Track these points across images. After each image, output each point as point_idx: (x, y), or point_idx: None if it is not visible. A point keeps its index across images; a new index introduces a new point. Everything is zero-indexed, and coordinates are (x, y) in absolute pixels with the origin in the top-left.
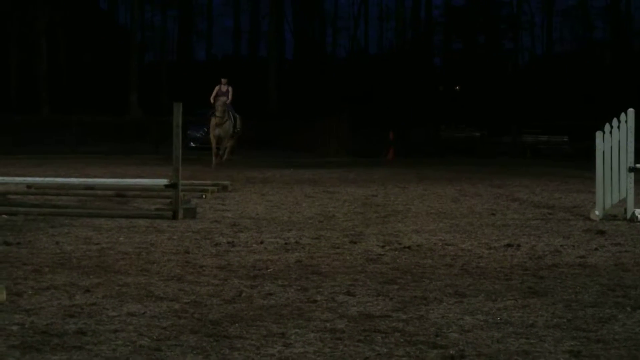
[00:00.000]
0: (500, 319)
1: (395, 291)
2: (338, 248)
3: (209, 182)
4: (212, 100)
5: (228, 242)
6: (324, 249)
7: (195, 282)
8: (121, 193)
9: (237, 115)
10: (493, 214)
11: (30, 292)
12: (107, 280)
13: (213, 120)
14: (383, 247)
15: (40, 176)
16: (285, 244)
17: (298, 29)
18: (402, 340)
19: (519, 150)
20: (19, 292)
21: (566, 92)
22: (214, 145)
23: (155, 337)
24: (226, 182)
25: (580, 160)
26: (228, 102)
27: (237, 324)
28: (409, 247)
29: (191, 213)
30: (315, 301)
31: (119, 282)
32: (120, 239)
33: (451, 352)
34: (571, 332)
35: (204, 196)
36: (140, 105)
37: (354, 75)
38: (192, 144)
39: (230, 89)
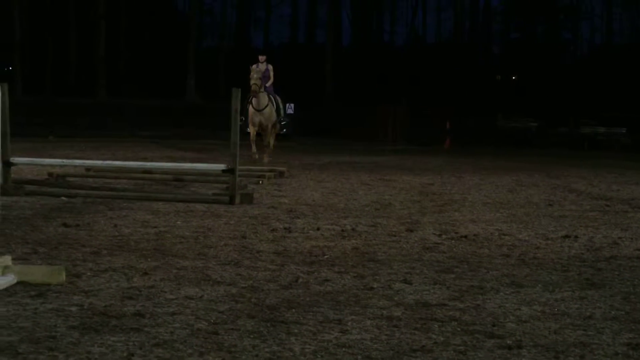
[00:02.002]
0: (558, 310)
1: (452, 280)
2: (394, 236)
3: (266, 167)
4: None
5: (285, 228)
6: (380, 236)
7: (252, 267)
8: (179, 177)
9: (279, 99)
10: (550, 205)
11: (89, 273)
12: (164, 263)
13: (250, 107)
14: (440, 235)
15: (98, 159)
16: (342, 230)
17: (356, 17)
18: (458, 329)
19: (577, 142)
20: (78, 274)
21: (625, 84)
22: (252, 135)
23: (212, 321)
24: (283, 168)
25: (638, 152)
26: (269, 83)
27: (293, 310)
28: (465, 237)
29: (248, 198)
30: (371, 288)
31: (176, 265)
32: (178, 222)
33: (508, 342)
34: (629, 324)
35: (260, 182)
36: (197, 91)
37: (411, 63)
38: (249, 130)
39: (270, 67)
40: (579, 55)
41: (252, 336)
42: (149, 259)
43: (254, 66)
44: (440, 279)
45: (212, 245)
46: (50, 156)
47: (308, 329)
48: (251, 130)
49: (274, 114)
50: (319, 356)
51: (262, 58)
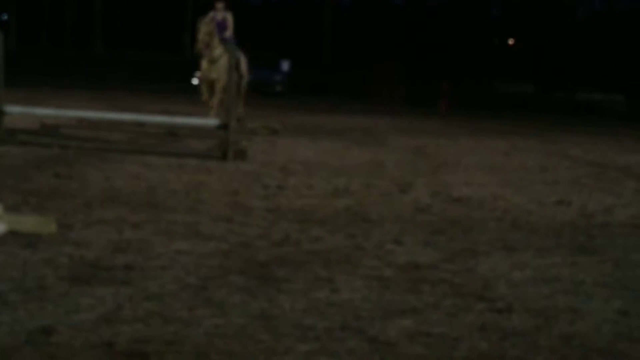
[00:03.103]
0: (549, 275)
1: (444, 242)
2: (387, 196)
3: (259, 124)
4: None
5: (277, 186)
6: (373, 196)
7: (244, 223)
8: (172, 131)
9: (241, 55)
10: (544, 170)
11: (79, 225)
12: (155, 217)
13: (203, 62)
14: (432, 197)
15: (93, 111)
16: (335, 189)
17: None
18: (449, 291)
19: (573, 107)
20: (69, 225)
21: (624, 51)
22: (205, 96)
23: (202, 276)
24: (276, 126)
25: (636, 120)
26: (229, 34)
27: (284, 267)
28: (458, 199)
29: (241, 154)
30: (363, 248)
31: (167, 219)
32: (170, 176)
33: (499, 305)
34: (620, 291)
35: (253, 138)
36: (193, 46)
37: (409, 24)
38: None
39: (228, 16)
40: (579, 19)
41: (242, 292)
42: (140, 212)
43: (210, 14)
44: (432, 240)
45: (203, 200)
46: (45, 106)
47: (299, 287)
48: (203, 90)
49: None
50: (308, 314)
51: (219, 5)
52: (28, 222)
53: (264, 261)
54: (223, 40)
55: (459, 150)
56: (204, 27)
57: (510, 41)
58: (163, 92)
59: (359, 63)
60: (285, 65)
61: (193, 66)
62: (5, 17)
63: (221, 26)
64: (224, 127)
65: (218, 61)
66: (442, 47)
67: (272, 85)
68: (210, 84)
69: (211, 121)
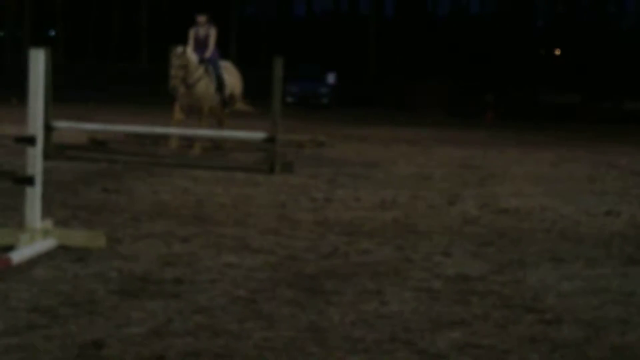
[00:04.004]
0: (599, 286)
1: (492, 254)
2: (434, 208)
3: (306, 137)
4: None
5: (325, 198)
6: (420, 208)
7: (292, 236)
8: (218, 145)
9: (228, 73)
10: (592, 181)
11: (128, 239)
12: (204, 230)
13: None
14: (480, 209)
15: (139, 125)
16: (382, 202)
17: None
18: (498, 302)
19: (620, 117)
20: (118, 239)
21: None
22: (174, 119)
23: (251, 289)
24: (323, 138)
25: None
26: (207, 53)
27: (333, 280)
28: (506, 210)
29: (288, 167)
30: (411, 260)
31: (216, 232)
32: (218, 190)
33: (548, 317)
34: None
35: (300, 151)
36: (239, 59)
37: (454, 35)
38: (290, 99)
39: (212, 31)
40: (623, 29)
41: (291, 305)
42: (188, 226)
43: (191, 31)
44: (481, 252)
45: (251, 213)
46: (92, 121)
47: (347, 300)
48: (175, 114)
49: (211, 90)
50: (357, 326)
51: (201, 19)
52: (78, 237)
53: (312, 274)
54: (203, 62)
55: (505, 162)
56: (177, 61)
57: (557, 51)
58: None
59: (403, 75)
60: (331, 78)
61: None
62: (52, 33)
63: (203, 44)
64: (270, 140)
65: (196, 85)
66: (487, 58)
67: (318, 98)
68: (189, 109)
69: (257, 135)
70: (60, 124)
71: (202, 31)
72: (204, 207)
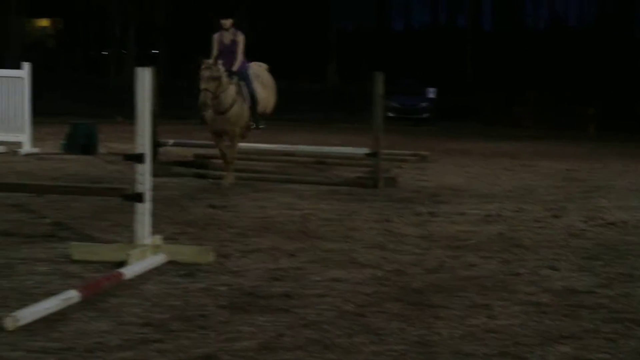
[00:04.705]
0: None
1: (600, 267)
2: (540, 222)
3: (408, 152)
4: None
5: (429, 212)
6: (525, 222)
7: (397, 250)
8: (322, 160)
9: (254, 90)
10: None
11: (236, 254)
12: (310, 245)
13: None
14: (586, 222)
15: (242, 142)
16: (487, 215)
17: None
18: (608, 316)
19: None
20: (226, 254)
21: None
22: (220, 148)
23: (359, 303)
24: (425, 153)
25: None
26: (236, 65)
27: (440, 294)
28: (613, 224)
29: (391, 182)
30: (518, 274)
31: (322, 247)
32: (322, 205)
33: None
34: None
35: (403, 166)
36: (338, 74)
37: (552, 47)
38: (390, 114)
39: (240, 37)
40: None
41: (399, 319)
42: (294, 241)
43: (215, 36)
44: (588, 265)
45: (356, 228)
46: (196, 138)
47: (455, 314)
48: (216, 142)
49: (245, 113)
50: (466, 341)
51: (227, 23)
52: (187, 252)
53: (419, 288)
54: (232, 76)
55: (609, 174)
56: (207, 72)
57: None
58: (308, 122)
59: (503, 88)
60: (431, 92)
61: (337, 95)
62: (156, 52)
63: (228, 51)
64: (373, 155)
65: (229, 111)
66: (587, 70)
67: (419, 112)
68: (224, 133)
69: (360, 150)
70: (168, 142)
71: (227, 37)
72: (309, 222)
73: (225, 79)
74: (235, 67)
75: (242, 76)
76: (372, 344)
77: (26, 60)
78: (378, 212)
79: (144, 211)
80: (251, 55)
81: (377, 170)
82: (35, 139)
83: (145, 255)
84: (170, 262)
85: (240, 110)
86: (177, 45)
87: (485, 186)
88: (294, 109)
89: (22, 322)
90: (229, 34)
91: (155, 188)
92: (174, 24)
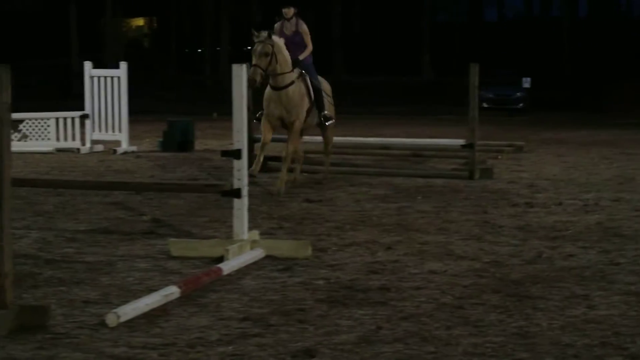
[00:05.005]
0: None
1: None
2: (639, 211)
3: (504, 142)
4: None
5: (526, 203)
6: (624, 211)
7: (495, 242)
8: (417, 153)
9: (319, 81)
10: None
11: (333, 248)
12: (407, 238)
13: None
14: None
15: (337, 136)
16: (584, 205)
17: None
18: None
19: None
20: (323, 248)
21: None
22: (264, 136)
23: (457, 295)
24: (521, 143)
25: None
26: (303, 54)
27: (538, 285)
28: None
29: (487, 173)
30: (618, 264)
31: (418, 240)
32: (418, 197)
33: None
34: None
35: (499, 157)
36: (432, 66)
37: None
38: (485, 105)
39: (303, 28)
40: None
41: (498, 311)
42: (391, 234)
43: (276, 26)
44: None
45: (453, 220)
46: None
47: (554, 305)
48: (263, 128)
49: (305, 103)
50: (566, 331)
51: (289, 12)
52: (284, 247)
53: (517, 279)
54: (296, 64)
55: None
56: (260, 47)
57: None
58: (404, 115)
59: (598, 77)
60: (526, 82)
61: (432, 87)
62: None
63: (293, 43)
64: (469, 146)
65: (288, 90)
66: None
67: (513, 103)
68: (277, 123)
69: (456, 141)
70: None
71: (289, 27)
72: (406, 214)
73: (282, 56)
74: (302, 56)
75: (308, 68)
76: (470, 336)
77: (123, 60)
78: (474, 203)
79: (241, 207)
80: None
81: (473, 161)
82: (133, 137)
83: (243, 251)
84: (267, 257)
85: (299, 94)
86: None
87: (583, 175)
88: (390, 103)
89: (124, 318)
90: (291, 24)
91: (252, 184)
92: (267, 19)
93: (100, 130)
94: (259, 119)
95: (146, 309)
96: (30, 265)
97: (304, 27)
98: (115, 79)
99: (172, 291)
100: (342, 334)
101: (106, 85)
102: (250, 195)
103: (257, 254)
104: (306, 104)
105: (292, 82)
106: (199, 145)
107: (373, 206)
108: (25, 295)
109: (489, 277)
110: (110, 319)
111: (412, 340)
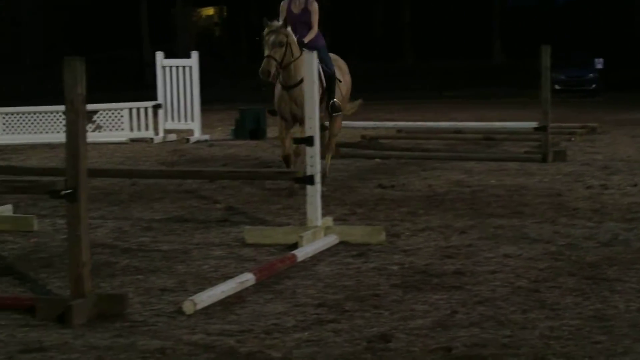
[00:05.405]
0: None
1: None
2: None
3: (577, 124)
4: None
5: (600, 185)
6: None
7: (569, 224)
8: (489, 136)
9: (333, 66)
10: None
11: (407, 233)
12: (480, 222)
13: (277, 83)
14: None
15: (409, 121)
16: None
17: None
18: None
19: None
20: (397, 233)
21: None
22: (281, 134)
23: (532, 279)
24: (594, 125)
25: None
26: (310, 36)
27: (614, 267)
28: None
29: (561, 156)
30: None
31: (492, 224)
32: (491, 181)
33: None
34: None
35: (572, 139)
36: (503, 49)
37: None
38: (557, 87)
39: (313, 6)
40: None
41: (574, 294)
42: (465, 218)
43: (283, 4)
44: None
45: (527, 203)
46: (362, 119)
47: (631, 287)
48: (280, 127)
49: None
50: None
51: None
52: (358, 233)
53: (593, 262)
54: (302, 47)
55: None
56: (272, 37)
57: None
58: (475, 99)
59: None
60: (598, 63)
61: (503, 71)
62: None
63: (300, 23)
64: (542, 129)
65: (299, 87)
66: None
67: (586, 84)
68: (292, 119)
69: (528, 124)
70: None
71: (297, 5)
72: (479, 198)
73: (296, 47)
74: (307, 39)
75: (318, 51)
76: (547, 319)
77: (194, 49)
78: (548, 186)
79: (314, 193)
80: (418, 35)
81: (546, 144)
82: (205, 126)
83: (317, 237)
84: (341, 243)
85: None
86: (340, 28)
87: None
88: (462, 87)
89: (200, 305)
90: (300, 2)
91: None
92: (337, 7)
93: (172, 119)
94: (273, 112)
95: (222, 296)
96: (107, 255)
97: (315, 6)
98: (187, 69)
99: (247, 278)
100: (418, 319)
101: (178, 75)
102: (322, 182)
103: (331, 240)
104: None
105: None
106: (270, 132)
107: (446, 190)
108: (103, 284)
109: (565, 260)
110: (187, 307)
111: (488, 324)
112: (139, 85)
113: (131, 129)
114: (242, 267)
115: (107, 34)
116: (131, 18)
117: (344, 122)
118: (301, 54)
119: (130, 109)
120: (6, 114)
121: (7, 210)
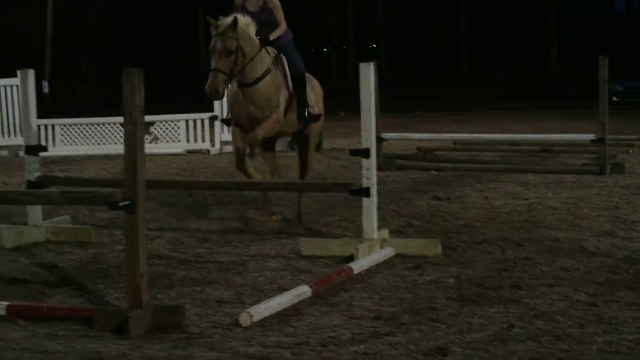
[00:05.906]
0: None
1: None
2: None
3: (635, 136)
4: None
5: None
6: None
7: (628, 237)
8: (546, 148)
9: (302, 68)
10: None
11: (463, 245)
12: (537, 235)
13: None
14: None
15: (464, 132)
16: None
17: None
18: None
19: None
20: (453, 246)
21: None
22: (237, 142)
23: (590, 293)
24: None
25: None
26: (276, 33)
27: None
28: None
29: (619, 168)
30: None
31: (549, 237)
32: (548, 194)
33: None
34: None
35: (630, 151)
36: (560, 59)
37: None
38: (615, 98)
39: (272, 3)
40: None
41: (632, 308)
42: (521, 231)
43: (237, 1)
44: None
45: (584, 216)
46: (418, 131)
47: None
48: (233, 134)
49: (284, 89)
50: None
51: None
52: (414, 245)
53: None
54: (266, 44)
55: None
56: (219, 43)
57: None
58: (532, 110)
59: None
60: None
61: (560, 81)
62: (374, 47)
63: (260, 22)
64: (599, 141)
65: (258, 84)
66: None
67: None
68: (248, 123)
69: (586, 136)
70: (390, 135)
71: (253, 2)
72: (535, 211)
73: (250, 46)
74: (273, 36)
75: (284, 48)
76: (605, 334)
77: None
78: (606, 199)
79: (370, 205)
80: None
81: (604, 156)
82: None
83: (373, 249)
84: (397, 255)
85: (273, 86)
86: (395, 39)
87: None
88: (517, 97)
89: (257, 317)
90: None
91: (380, 182)
92: (393, 17)
93: (229, 131)
94: (226, 122)
95: (279, 308)
96: (164, 266)
97: (274, 1)
98: None
99: (303, 290)
100: (474, 333)
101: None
102: (378, 194)
103: (387, 252)
104: (284, 94)
105: (266, 73)
106: (326, 144)
107: (502, 203)
108: (160, 295)
109: (623, 273)
110: (244, 319)
111: (546, 338)
112: (196, 96)
113: (188, 141)
114: (298, 279)
115: (162, 43)
116: (187, 28)
117: (400, 136)
118: (260, 50)
119: (187, 121)
120: (65, 125)
121: (65, 221)
